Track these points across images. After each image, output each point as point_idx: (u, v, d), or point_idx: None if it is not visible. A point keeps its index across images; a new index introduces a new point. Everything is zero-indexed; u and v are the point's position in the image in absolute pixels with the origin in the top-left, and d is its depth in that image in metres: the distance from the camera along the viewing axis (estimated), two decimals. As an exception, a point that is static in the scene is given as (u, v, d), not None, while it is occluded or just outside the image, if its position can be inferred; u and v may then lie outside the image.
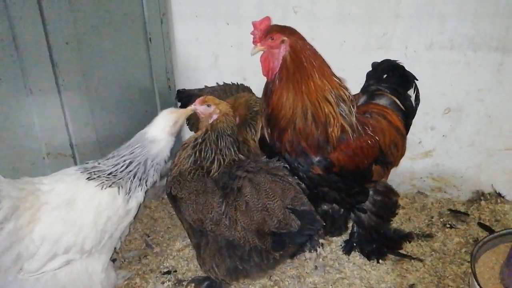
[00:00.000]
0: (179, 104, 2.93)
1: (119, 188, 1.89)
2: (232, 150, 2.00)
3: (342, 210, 2.33)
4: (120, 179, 1.91)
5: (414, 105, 2.29)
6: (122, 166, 1.93)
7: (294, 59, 1.86)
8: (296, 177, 1.98)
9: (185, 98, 2.85)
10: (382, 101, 2.19)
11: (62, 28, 2.11)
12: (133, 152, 1.97)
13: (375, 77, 2.25)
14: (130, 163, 1.94)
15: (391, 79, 2.22)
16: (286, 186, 1.83)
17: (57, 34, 2.08)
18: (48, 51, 2.06)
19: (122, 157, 1.95)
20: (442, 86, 2.57)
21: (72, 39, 2.17)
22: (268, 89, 1.95)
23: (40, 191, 1.78)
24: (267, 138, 2.00)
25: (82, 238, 1.79)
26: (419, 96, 2.29)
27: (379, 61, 2.28)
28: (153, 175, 2.00)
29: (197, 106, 2.04)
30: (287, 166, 1.94)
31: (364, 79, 2.28)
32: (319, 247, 2.40)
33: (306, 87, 1.86)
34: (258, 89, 2.78)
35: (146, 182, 1.98)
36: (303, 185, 2.04)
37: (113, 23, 2.47)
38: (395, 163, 2.21)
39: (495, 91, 2.49)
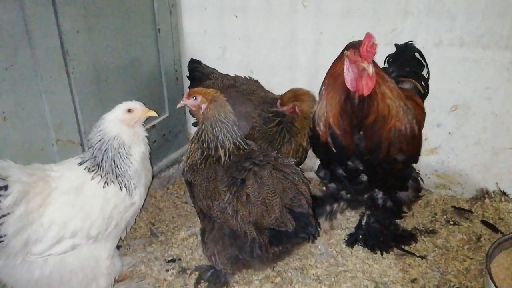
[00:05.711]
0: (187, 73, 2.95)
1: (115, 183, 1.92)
2: (229, 135, 1.98)
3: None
4: (108, 173, 1.90)
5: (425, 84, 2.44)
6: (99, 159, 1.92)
7: (377, 71, 1.96)
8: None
9: (197, 72, 2.86)
10: (406, 86, 2.34)
11: (74, 17, 2.14)
12: (94, 135, 1.94)
13: (398, 62, 2.41)
14: (100, 151, 1.91)
15: (411, 62, 2.38)
16: (288, 185, 1.84)
17: (68, 23, 2.11)
18: (59, 40, 2.09)
19: (93, 148, 1.94)
20: (450, 84, 2.56)
21: (83, 28, 2.20)
22: (357, 101, 1.94)
23: (50, 177, 1.82)
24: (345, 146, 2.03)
25: (89, 223, 1.83)
26: (429, 75, 2.44)
27: (386, 56, 2.33)
28: (122, 166, 1.92)
29: (185, 101, 2.06)
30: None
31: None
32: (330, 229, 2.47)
33: (395, 90, 1.99)
34: (264, 82, 2.81)
35: (124, 178, 1.93)
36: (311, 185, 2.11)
37: (123, 13, 2.49)
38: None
39: (503, 89, 2.48)
